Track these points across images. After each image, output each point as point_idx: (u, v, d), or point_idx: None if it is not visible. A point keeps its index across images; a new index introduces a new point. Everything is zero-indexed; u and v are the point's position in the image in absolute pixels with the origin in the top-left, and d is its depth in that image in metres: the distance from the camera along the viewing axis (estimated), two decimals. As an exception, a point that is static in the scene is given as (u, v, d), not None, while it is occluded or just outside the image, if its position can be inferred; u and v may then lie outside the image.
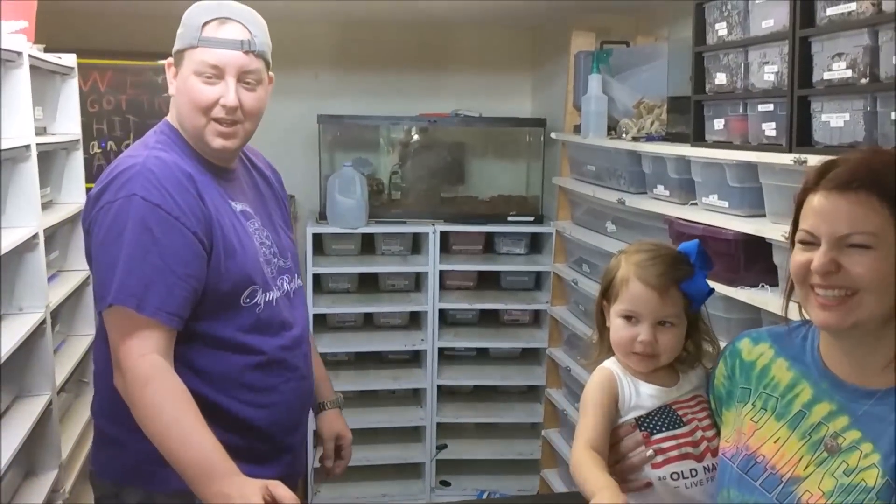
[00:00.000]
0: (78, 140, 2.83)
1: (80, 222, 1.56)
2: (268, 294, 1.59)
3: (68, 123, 2.82)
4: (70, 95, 2.82)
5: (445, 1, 3.02)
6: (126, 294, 1.42)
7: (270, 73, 1.63)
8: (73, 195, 2.82)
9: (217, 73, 1.52)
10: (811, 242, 1.07)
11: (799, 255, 1.09)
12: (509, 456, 3.68)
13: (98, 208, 1.48)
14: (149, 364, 1.41)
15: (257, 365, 1.58)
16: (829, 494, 1.07)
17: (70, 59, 2.76)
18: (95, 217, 1.49)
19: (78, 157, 2.86)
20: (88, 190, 1.56)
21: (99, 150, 3.51)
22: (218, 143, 1.56)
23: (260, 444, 1.59)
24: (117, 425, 1.53)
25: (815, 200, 1.08)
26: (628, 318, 1.31)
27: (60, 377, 2.42)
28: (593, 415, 1.30)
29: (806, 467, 1.11)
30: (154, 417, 1.39)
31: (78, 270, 2.76)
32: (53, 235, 2.65)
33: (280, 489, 1.28)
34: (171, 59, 1.58)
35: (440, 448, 3.63)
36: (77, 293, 2.74)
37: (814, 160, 1.58)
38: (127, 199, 1.45)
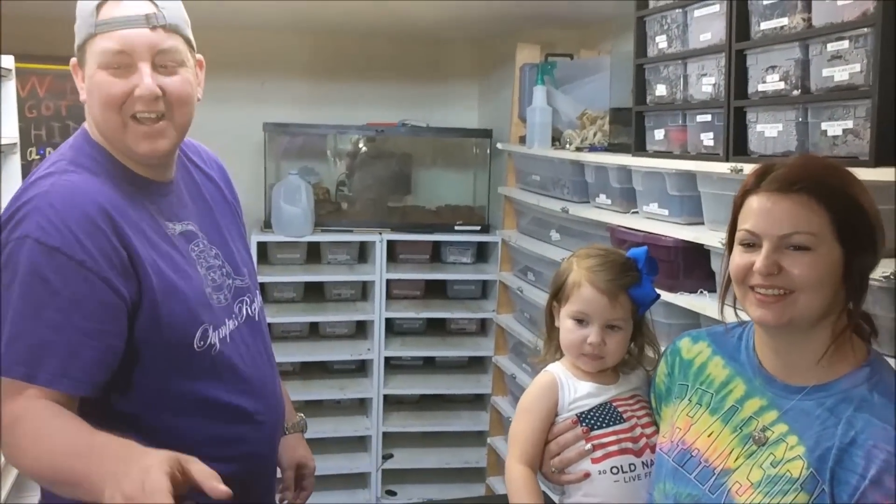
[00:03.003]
0: (15, 144, 2.76)
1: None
2: (221, 330, 1.37)
3: (5, 126, 2.74)
4: (7, 98, 2.74)
5: (393, 10, 3.04)
6: (11, 361, 1.19)
7: (199, 56, 1.41)
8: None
9: (125, 61, 1.29)
10: (752, 244, 1.10)
11: (739, 258, 1.12)
12: (455, 464, 3.68)
13: None
14: (20, 405, 1.18)
15: (220, 417, 1.37)
16: (756, 485, 1.10)
17: (8, 61, 2.70)
18: None
19: (15, 161, 2.78)
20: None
21: (38, 157, 3.42)
22: (144, 147, 1.32)
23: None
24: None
25: (756, 202, 1.11)
26: (579, 320, 1.35)
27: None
28: (530, 426, 1.36)
29: (736, 459, 1.15)
30: (28, 452, 1.16)
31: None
32: (-12, 241, 2.57)
33: (194, 464, 1.07)
34: (75, 60, 1.35)
35: (386, 457, 3.62)
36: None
37: (749, 169, 1.63)
38: (19, 243, 1.21)
